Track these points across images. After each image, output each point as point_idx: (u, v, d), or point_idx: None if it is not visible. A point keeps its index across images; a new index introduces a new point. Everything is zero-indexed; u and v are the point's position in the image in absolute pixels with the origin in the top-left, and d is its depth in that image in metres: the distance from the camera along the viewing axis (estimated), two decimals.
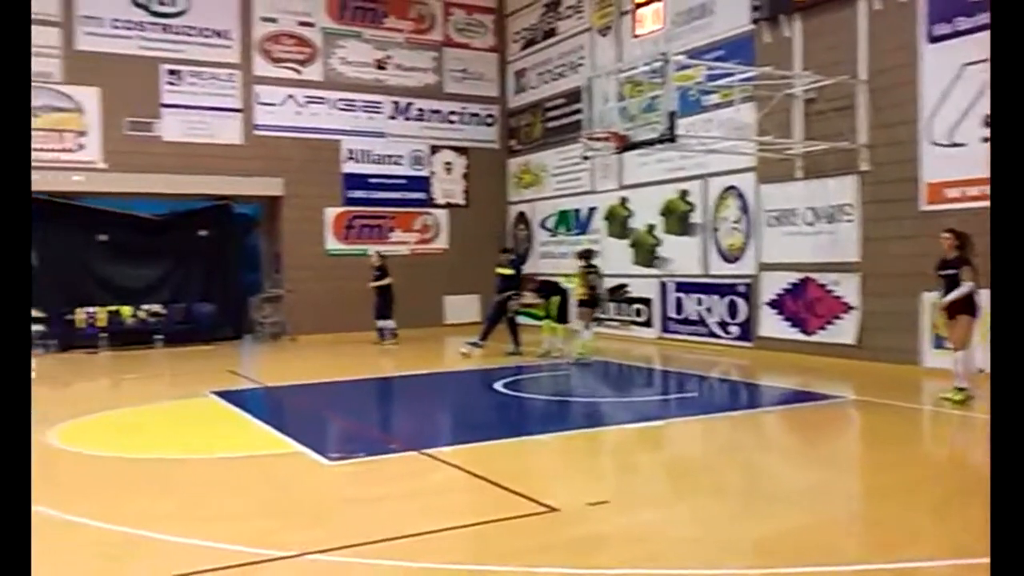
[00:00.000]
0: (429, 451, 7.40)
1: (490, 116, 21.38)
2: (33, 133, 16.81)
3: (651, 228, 16.91)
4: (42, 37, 16.86)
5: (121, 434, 8.93)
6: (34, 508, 5.80)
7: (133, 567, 4.85)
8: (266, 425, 8.95)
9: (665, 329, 16.58)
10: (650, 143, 11.49)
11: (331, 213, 19.49)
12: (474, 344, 14.76)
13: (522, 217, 21.07)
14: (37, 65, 16.80)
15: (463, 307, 20.20)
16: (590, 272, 14.33)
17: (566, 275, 15.80)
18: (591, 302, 14.33)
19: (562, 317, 14.82)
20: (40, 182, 16.86)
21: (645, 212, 17.03)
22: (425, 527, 5.32)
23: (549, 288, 15.06)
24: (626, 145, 11.77)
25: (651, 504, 5.99)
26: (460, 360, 14.44)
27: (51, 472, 7.34)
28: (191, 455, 7.65)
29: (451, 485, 6.57)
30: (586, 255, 14.55)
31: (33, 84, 16.78)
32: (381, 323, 17.00)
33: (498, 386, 11.21)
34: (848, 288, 12.83)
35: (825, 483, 6.48)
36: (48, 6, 16.94)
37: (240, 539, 5.08)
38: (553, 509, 5.57)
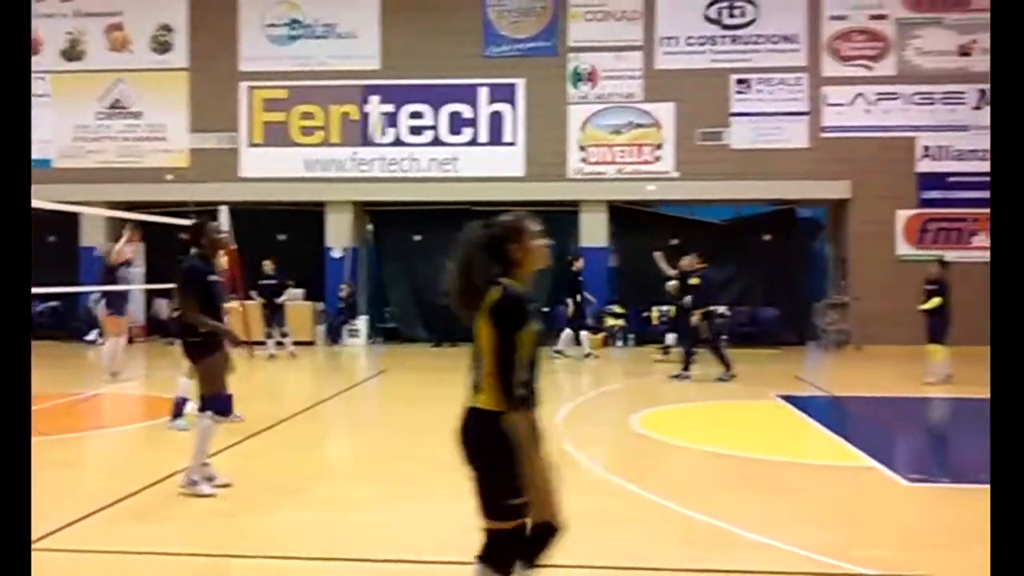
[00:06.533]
0: None
1: None
2: (617, 148, 18.76)
3: None
4: (627, 62, 18.73)
5: (695, 427, 9.40)
6: (629, 487, 6.40)
7: (712, 555, 4.97)
8: (835, 435, 8.62)
9: None
10: None
11: (903, 216, 18.16)
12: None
13: None
14: (623, 87, 18.72)
15: None
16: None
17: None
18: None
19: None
20: (622, 190, 18.82)
21: None
22: None
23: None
24: None
25: None
26: None
27: (641, 456, 8.02)
28: (763, 456, 7.68)
29: None
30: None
31: (619, 104, 18.73)
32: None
33: None
34: None
35: None
36: (633, 33, 18.72)
37: (817, 547, 4.92)
38: None
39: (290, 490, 6.42)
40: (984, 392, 11.75)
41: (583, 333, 16.22)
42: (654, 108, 18.74)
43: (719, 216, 19.82)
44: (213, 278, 6.31)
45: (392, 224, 20.02)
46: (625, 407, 10.49)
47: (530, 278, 3.31)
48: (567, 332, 16.15)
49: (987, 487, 6.54)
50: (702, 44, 18.71)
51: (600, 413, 10.54)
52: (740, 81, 18.59)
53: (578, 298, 15.97)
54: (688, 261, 13.29)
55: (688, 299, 13.04)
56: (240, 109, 19.37)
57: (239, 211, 15.77)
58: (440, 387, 11.63)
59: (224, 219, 15.39)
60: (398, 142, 19.13)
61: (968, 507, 6.07)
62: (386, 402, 11.77)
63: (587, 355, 15.97)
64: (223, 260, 9.81)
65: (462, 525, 3.41)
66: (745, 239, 19.16)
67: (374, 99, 19.10)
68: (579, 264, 16.28)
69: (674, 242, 18.93)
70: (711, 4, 18.67)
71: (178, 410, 8.45)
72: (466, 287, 3.24)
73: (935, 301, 12.24)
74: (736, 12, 18.66)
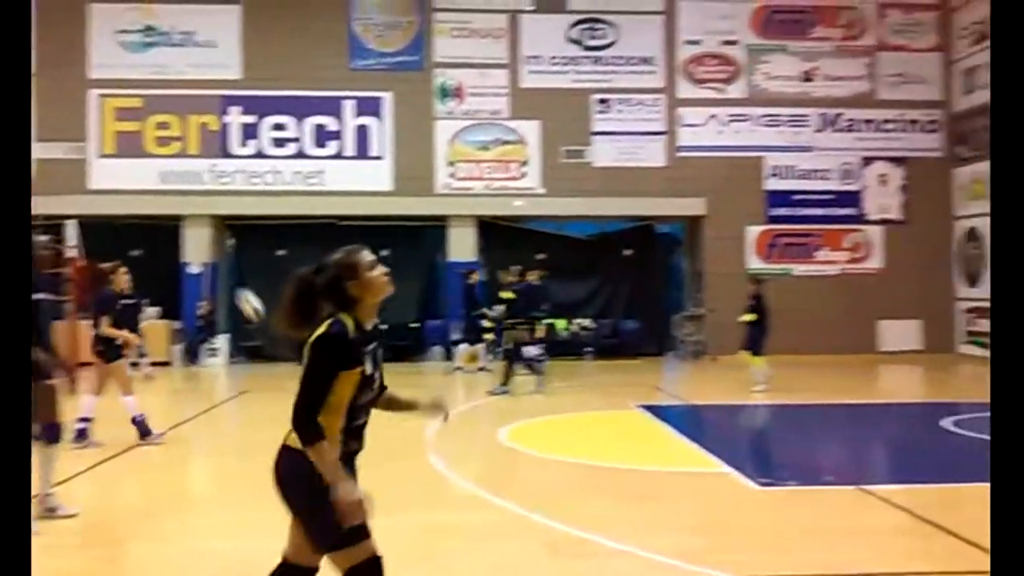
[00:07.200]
0: (868, 487, 6.82)
1: (932, 122, 19.44)
2: (484, 164, 18.94)
3: None
4: (493, 79, 18.97)
5: (561, 438, 9.56)
6: (496, 501, 6.44)
7: (577, 565, 5.08)
8: (692, 442, 8.97)
9: None
10: None
11: (753, 231, 19.15)
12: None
13: (974, 233, 18.75)
14: (489, 104, 18.93)
15: (901, 333, 18.55)
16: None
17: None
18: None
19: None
20: (489, 206, 19.00)
21: None
22: (876, 568, 4.88)
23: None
24: None
25: None
26: (894, 391, 13.26)
27: (508, 470, 8.10)
28: (624, 465, 7.90)
29: (899, 527, 5.96)
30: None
31: (486, 121, 18.92)
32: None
33: (946, 424, 10.01)
34: None
35: None
36: (498, 51, 18.98)
37: (676, 553, 5.10)
38: None
39: (144, 518, 6.14)
40: (830, 398, 12.64)
41: (461, 347, 16.30)
42: (519, 125, 19.03)
43: (584, 232, 20.32)
44: (38, 296, 5.85)
45: (255, 238, 19.44)
46: (494, 421, 10.56)
47: (373, 309, 3.24)
48: (465, 347, 16.22)
49: (832, 488, 7.00)
50: (565, 64, 19.17)
51: (469, 427, 10.56)
52: (601, 101, 19.14)
53: (483, 311, 15.99)
54: (507, 276, 13.55)
55: (497, 311, 13.32)
56: (89, 118, 18.42)
57: (89, 225, 15.00)
58: None
59: (72, 233, 14.62)
60: (260, 154, 18.66)
61: (816, 508, 6.44)
62: (246, 424, 11.40)
63: (457, 368, 16.09)
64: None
65: None
66: (608, 254, 19.73)
67: (234, 110, 18.57)
68: (475, 277, 16.54)
69: (540, 257, 19.30)
70: (573, 25, 19.17)
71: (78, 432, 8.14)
72: (293, 325, 3.21)
73: (750, 316, 13.03)
74: (597, 34, 19.22)
